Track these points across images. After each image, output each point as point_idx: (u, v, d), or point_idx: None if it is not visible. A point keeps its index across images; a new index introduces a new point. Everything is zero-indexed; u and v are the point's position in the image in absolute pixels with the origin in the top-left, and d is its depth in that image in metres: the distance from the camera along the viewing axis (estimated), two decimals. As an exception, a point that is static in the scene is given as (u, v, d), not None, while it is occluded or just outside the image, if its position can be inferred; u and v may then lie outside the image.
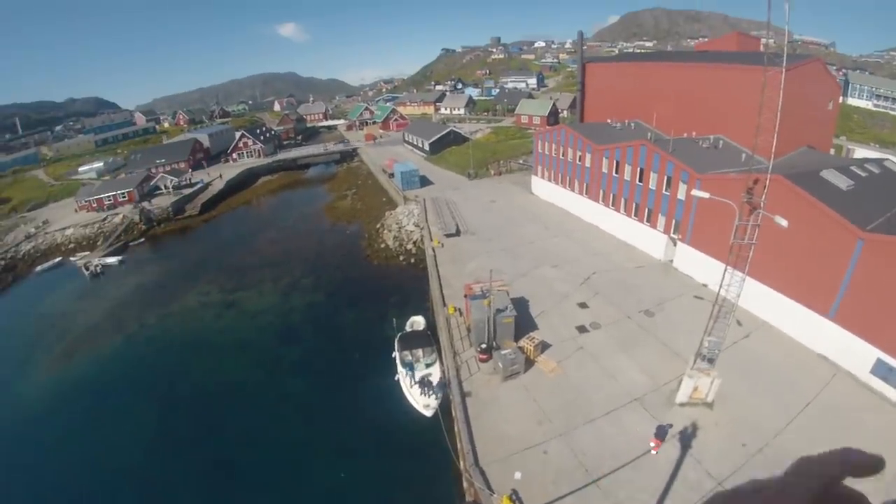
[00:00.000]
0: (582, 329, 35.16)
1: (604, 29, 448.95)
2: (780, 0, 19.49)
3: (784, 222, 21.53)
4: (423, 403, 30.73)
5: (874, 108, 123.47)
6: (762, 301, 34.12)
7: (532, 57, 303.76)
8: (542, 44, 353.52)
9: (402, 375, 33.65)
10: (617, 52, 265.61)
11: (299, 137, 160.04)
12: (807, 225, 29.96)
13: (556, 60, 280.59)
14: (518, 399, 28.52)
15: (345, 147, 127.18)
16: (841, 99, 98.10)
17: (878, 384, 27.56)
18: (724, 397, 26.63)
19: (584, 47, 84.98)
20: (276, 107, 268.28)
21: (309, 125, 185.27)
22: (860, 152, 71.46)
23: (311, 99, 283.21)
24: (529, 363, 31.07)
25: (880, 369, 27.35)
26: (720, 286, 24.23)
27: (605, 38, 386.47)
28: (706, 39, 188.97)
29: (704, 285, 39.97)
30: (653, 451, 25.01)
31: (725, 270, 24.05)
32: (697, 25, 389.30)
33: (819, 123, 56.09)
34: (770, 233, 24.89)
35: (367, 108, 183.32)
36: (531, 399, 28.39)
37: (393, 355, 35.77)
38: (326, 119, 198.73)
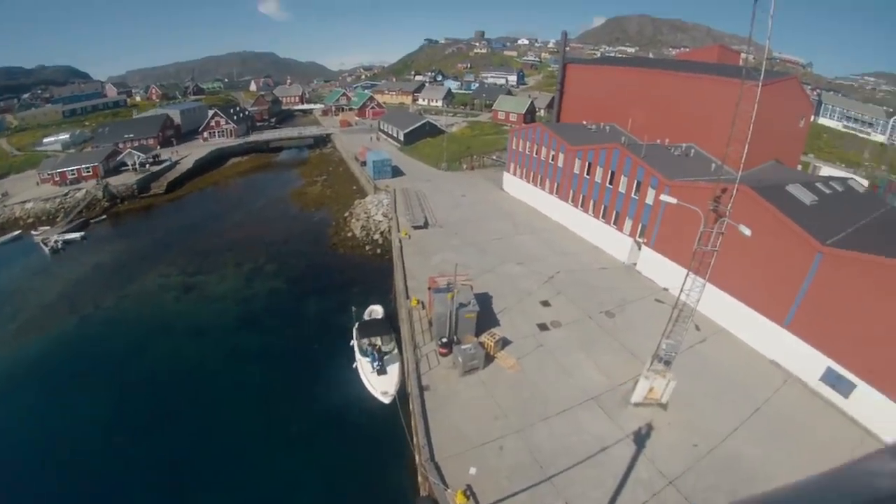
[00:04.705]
0: (543, 327, 35.24)
1: (588, 31, 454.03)
2: (764, 16, 19.62)
3: (748, 231, 21.83)
4: (382, 390, 30.24)
5: (843, 129, 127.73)
6: (721, 307, 34.72)
7: (514, 54, 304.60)
8: (526, 41, 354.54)
9: (360, 363, 33.13)
10: (599, 54, 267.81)
11: (273, 119, 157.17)
12: (769, 236, 30.55)
13: (537, 59, 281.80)
14: (476, 394, 28.36)
15: (319, 132, 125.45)
16: (812, 118, 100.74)
17: (827, 391, 28.44)
18: (678, 399, 26.92)
19: (567, 48, 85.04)
20: (253, 86, 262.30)
21: (284, 107, 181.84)
22: (826, 170, 73.21)
23: (289, 81, 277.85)
24: (489, 359, 30.93)
25: (830, 377, 28.23)
26: (681, 291, 24.40)
27: (588, 40, 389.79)
28: (688, 49, 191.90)
29: (665, 289, 40.44)
30: None
31: (687, 276, 24.24)
32: (681, 35, 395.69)
33: (789, 139, 57.33)
34: (733, 241, 25.19)
35: (344, 94, 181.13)
36: (489, 395, 28.27)
37: (351, 343, 35.15)
38: (303, 102, 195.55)
